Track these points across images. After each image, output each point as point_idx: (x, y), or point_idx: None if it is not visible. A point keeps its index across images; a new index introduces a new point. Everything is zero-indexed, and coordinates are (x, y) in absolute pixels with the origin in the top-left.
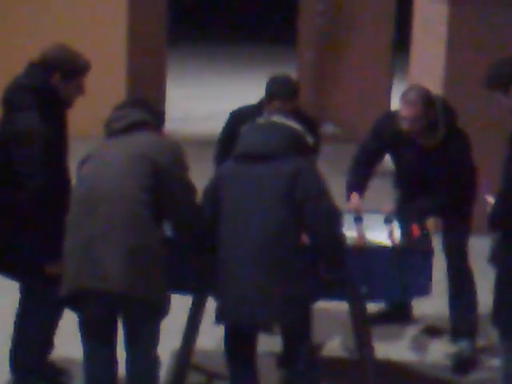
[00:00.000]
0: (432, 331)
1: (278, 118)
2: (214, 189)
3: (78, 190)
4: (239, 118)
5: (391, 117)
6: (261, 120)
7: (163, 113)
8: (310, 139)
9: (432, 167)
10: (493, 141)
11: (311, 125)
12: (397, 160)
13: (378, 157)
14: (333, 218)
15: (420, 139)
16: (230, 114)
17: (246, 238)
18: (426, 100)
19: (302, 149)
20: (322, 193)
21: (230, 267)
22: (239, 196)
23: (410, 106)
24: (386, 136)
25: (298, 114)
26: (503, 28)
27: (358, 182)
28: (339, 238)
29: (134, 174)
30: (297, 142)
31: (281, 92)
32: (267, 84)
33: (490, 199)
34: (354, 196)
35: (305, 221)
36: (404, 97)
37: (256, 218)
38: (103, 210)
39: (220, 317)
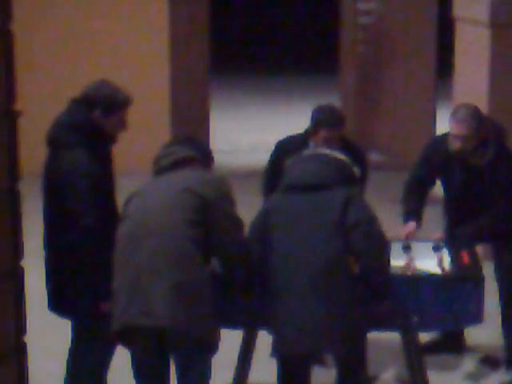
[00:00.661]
0: (486, 361)
1: (323, 150)
2: (262, 221)
3: (124, 226)
4: (285, 148)
5: (440, 141)
6: (307, 152)
7: (211, 151)
8: (356, 170)
9: (482, 188)
10: None
11: (358, 154)
12: (447, 183)
13: (429, 182)
14: (382, 244)
15: (470, 159)
16: (276, 144)
17: (302, 269)
18: (477, 117)
19: (349, 179)
20: (372, 219)
21: (286, 299)
22: (290, 227)
23: (461, 124)
24: (436, 160)
25: (344, 143)
26: None
27: (414, 209)
28: (386, 264)
29: (180, 209)
30: (344, 173)
31: (327, 121)
32: (313, 113)
33: None
34: (411, 224)
35: (354, 247)
36: (455, 115)
37: (309, 248)
38: (150, 244)
39: (277, 349)
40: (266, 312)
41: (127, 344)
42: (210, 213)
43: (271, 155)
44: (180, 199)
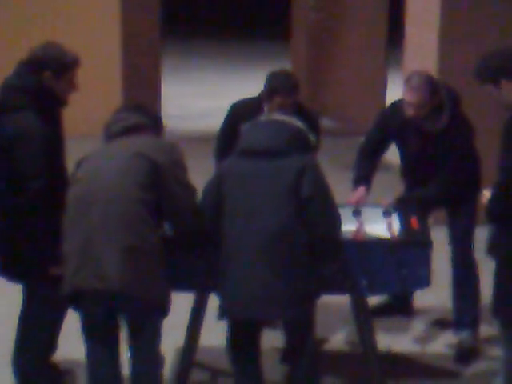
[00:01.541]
0: (434, 322)
1: (280, 116)
2: (216, 184)
3: (75, 189)
4: (239, 112)
5: (397, 106)
6: (263, 117)
7: (161, 118)
8: (312, 137)
9: (436, 154)
10: (488, 131)
11: (312, 120)
12: (402, 148)
13: (384, 147)
14: (335, 216)
15: (425, 125)
16: (230, 106)
17: (253, 235)
18: (431, 85)
19: (304, 146)
20: (326, 192)
21: (236, 263)
22: (244, 192)
23: (414, 91)
24: (391, 125)
25: (298, 109)
26: (495, 18)
27: (364, 175)
28: (338, 234)
29: (131, 173)
30: (300, 140)
31: (282, 87)
32: (267, 79)
33: (486, 192)
34: (360, 190)
35: (308, 218)
36: (408, 83)
37: (262, 215)
38: (101, 208)
39: (224, 312)
40: (217, 276)
41: (78, 307)
42: (161, 178)
43: (225, 118)
44: (131, 163)
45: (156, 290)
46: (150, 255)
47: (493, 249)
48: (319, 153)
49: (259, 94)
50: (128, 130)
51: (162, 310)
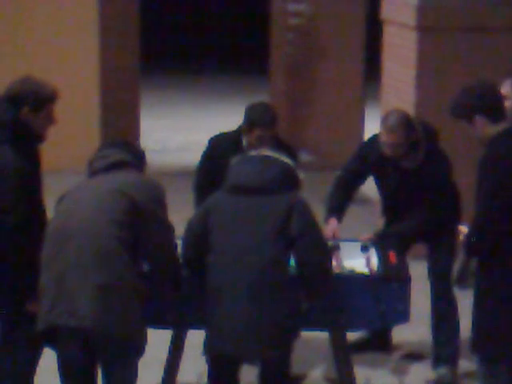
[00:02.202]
0: (413, 358)
1: (269, 152)
2: (202, 218)
3: (52, 224)
4: (218, 145)
5: (375, 140)
6: (252, 153)
7: (144, 154)
8: (300, 173)
9: (414, 189)
10: (463, 166)
11: (291, 153)
12: (380, 184)
13: (361, 179)
14: (325, 254)
15: (402, 162)
16: (209, 140)
17: (237, 271)
18: (407, 124)
19: (293, 183)
20: (316, 229)
21: (222, 299)
22: (232, 228)
23: (390, 132)
24: (370, 158)
25: (277, 142)
26: (470, 53)
27: (337, 206)
28: (330, 272)
29: (109, 210)
30: (289, 177)
31: (261, 120)
32: (246, 112)
33: (462, 228)
34: (332, 221)
35: (298, 254)
36: (384, 122)
37: (250, 252)
38: (77, 243)
39: (208, 349)
40: (200, 312)
41: (53, 344)
42: (139, 215)
43: (204, 152)
44: (110, 200)
45: (130, 329)
46: (125, 293)
47: (461, 279)
48: None
49: (238, 128)
50: (110, 167)
51: (137, 348)
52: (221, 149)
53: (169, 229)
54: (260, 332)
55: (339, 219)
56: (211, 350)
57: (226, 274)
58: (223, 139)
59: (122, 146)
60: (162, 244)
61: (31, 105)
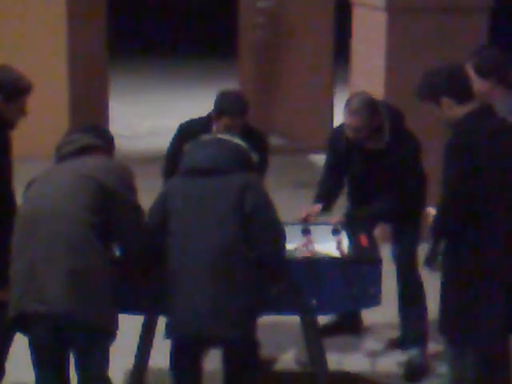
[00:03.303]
0: (384, 340)
1: (223, 135)
2: (161, 203)
3: (21, 211)
4: (188, 131)
5: (340, 129)
6: (206, 136)
7: (113, 138)
8: (254, 156)
9: (380, 172)
10: (432, 149)
11: (260, 139)
12: (348, 168)
13: (338, 171)
14: (278, 231)
15: (367, 144)
16: (178, 126)
17: (197, 252)
18: (370, 107)
19: (246, 165)
20: (268, 206)
21: (181, 281)
22: (188, 210)
23: (353, 115)
24: (338, 148)
25: (246, 129)
26: (441, 35)
27: (324, 193)
28: (282, 250)
29: (78, 195)
30: (242, 158)
31: (230, 109)
32: (216, 99)
33: (430, 209)
34: (315, 207)
35: (251, 231)
36: (348, 106)
37: (206, 232)
38: (46, 230)
39: (170, 331)
40: (164, 295)
41: (25, 331)
42: (109, 199)
43: (173, 138)
44: (79, 185)
45: (101, 314)
46: (96, 278)
47: (430, 261)
48: (268, 171)
49: (208, 114)
50: (79, 152)
51: (108, 334)
52: (190, 134)
53: (138, 212)
54: (221, 312)
55: (325, 207)
56: (173, 332)
57: (186, 255)
58: (192, 125)
59: (90, 131)
60: (132, 227)
61: (6, 94)
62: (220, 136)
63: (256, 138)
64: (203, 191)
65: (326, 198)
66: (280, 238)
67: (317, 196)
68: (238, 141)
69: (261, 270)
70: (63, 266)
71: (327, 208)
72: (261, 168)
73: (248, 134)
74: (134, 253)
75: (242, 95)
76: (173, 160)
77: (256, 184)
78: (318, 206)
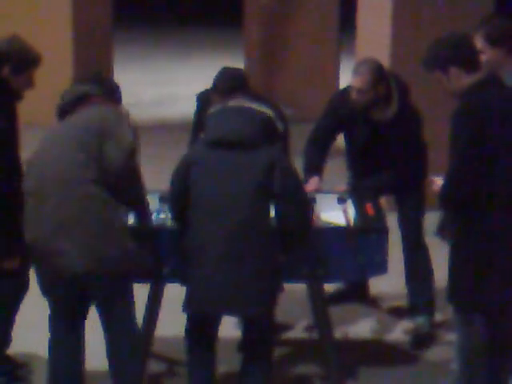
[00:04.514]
0: (390, 308)
1: (248, 103)
2: (183, 173)
3: (28, 179)
4: (206, 100)
5: (345, 93)
6: (230, 104)
7: (118, 86)
8: (280, 125)
9: (383, 143)
10: (438, 118)
11: (276, 109)
12: (350, 136)
13: (334, 134)
14: (307, 210)
15: (373, 114)
16: (196, 97)
17: (221, 226)
18: (376, 73)
19: (272, 135)
20: (298, 185)
21: (204, 255)
22: (212, 184)
23: (358, 76)
24: (340, 112)
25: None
26: (445, 5)
27: (316, 164)
28: (310, 226)
29: (84, 155)
30: (269, 129)
31: (219, 87)
32: (216, 74)
33: (437, 179)
34: (314, 180)
35: (281, 209)
36: (355, 68)
37: (232, 207)
38: (57, 194)
39: (189, 306)
40: (182, 267)
41: (46, 293)
42: (102, 138)
43: (196, 108)
44: (83, 144)
45: (119, 262)
46: (110, 229)
47: (442, 229)
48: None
49: None
50: (80, 100)
51: (128, 275)
52: (209, 103)
53: (132, 152)
54: (243, 289)
55: (320, 177)
56: (192, 308)
57: (207, 230)
58: (209, 94)
59: (93, 79)
60: (117, 165)
61: (14, 65)
62: (246, 104)
63: (272, 107)
64: (228, 164)
65: (318, 169)
66: (309, 215)
67: (309, 167)
68: (265, 109)
69: (281, 242)
70: (78, 226)
71: (321, 178)
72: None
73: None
74: (144, 212)
75: (236, 75)
76: (198, 130)
77: (283, 161)
78: (316, 180)
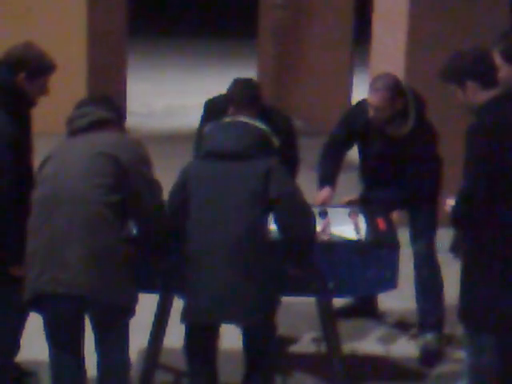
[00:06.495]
0: (399, 324)
1: (243, 118)
2: (181, 185)
3: (40, 189)
4: (214, 108)
5: (361, 106)
6: (226, 119)
7: (123, 108)
8: (275, 140)
9: (398, 157)
10: (452, 133)
11: (284, 123)
12: (364, 150)
13: (348, 146)
14: (306, 216)
15: (389, 129)
16: (204, 103)
17: (219, 237)
18: (394, 88)
19: (268, 149)
20: (296, 190)
21: (201, 266)
22: (210, 195)
23: (376, 93)
24: (356, 124)
25: (268, 114)
26: (462, 19)
27: (329, 174)
28: (313, 234)
29: (95, 174)
30: (264, 143)
31: (235, 99)
32: (229, 85)
33: (449, 200)
34: (326, 190)
35: (279, 217)
36: (372, 84)
37: (228, 218)
38: (65, 211)
39: (186, 316)
40: (180, 277)
41: (41, 310)
42: (126, 176)
43: (202, 115)
44: (95, 164)
45: (121, 293)
46: (115, 257)
47: (456, 247)
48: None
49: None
50: (92, 125)
51: (128, 311)
52: (216, 111)
53: (156, 187)
54: (240, 298)
55: (332, 188)
56: (190, 318)
57: (205, 240)
58: (218, 102)
59: (103, 103)
60: (150, 203)
61: (29, 72)
62: (242, 119)
63: (279, 121)
64: (224, 175)
65: (331, 179)
66: (310, 222)
67: (322, 177)
68: (259, 124)
69: (284, 253)
70: (82, 246)
71: (333, 189)
72: (290, 157)
73: (269, 116)
74: (151, 228)
75: (251, 87)
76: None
77: (279, 168)
78: (329, 190)
